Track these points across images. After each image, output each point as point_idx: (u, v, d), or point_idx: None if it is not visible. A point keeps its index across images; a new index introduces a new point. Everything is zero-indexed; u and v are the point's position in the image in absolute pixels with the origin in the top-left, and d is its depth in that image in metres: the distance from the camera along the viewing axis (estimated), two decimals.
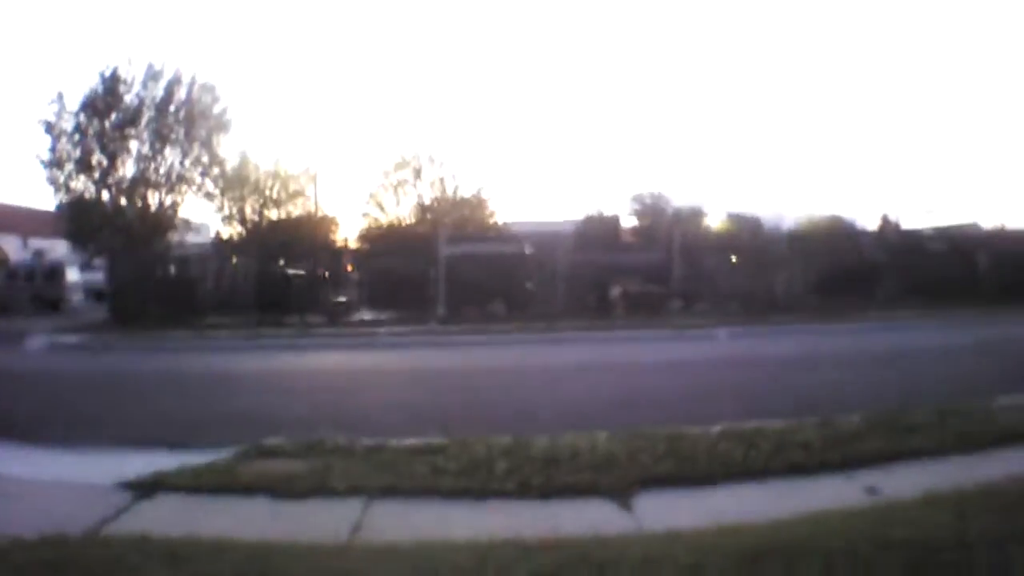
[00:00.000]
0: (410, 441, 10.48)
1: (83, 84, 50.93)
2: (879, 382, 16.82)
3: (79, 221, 40.93)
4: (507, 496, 8.44)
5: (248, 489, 8.69)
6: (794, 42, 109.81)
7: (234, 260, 38.61)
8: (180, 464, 9.53)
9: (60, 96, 40.97)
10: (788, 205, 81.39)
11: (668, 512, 7.82)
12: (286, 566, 6.07)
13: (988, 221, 50.27)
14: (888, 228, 43.95)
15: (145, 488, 8.77)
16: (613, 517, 7.84)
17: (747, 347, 24.60)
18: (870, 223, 44.38)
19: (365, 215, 50.85)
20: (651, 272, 37.02)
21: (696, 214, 51.77)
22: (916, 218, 56.13)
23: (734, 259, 39.35)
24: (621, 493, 8.42)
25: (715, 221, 49.53)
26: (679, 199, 55.65)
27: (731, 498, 8.38)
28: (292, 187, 45.53)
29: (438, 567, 6.05)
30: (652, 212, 56.18)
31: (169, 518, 7.77)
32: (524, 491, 8.49)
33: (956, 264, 37.22)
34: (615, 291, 35.69)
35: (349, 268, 39.35)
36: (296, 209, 45.63)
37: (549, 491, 8.49)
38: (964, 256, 38.37)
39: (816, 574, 5.74)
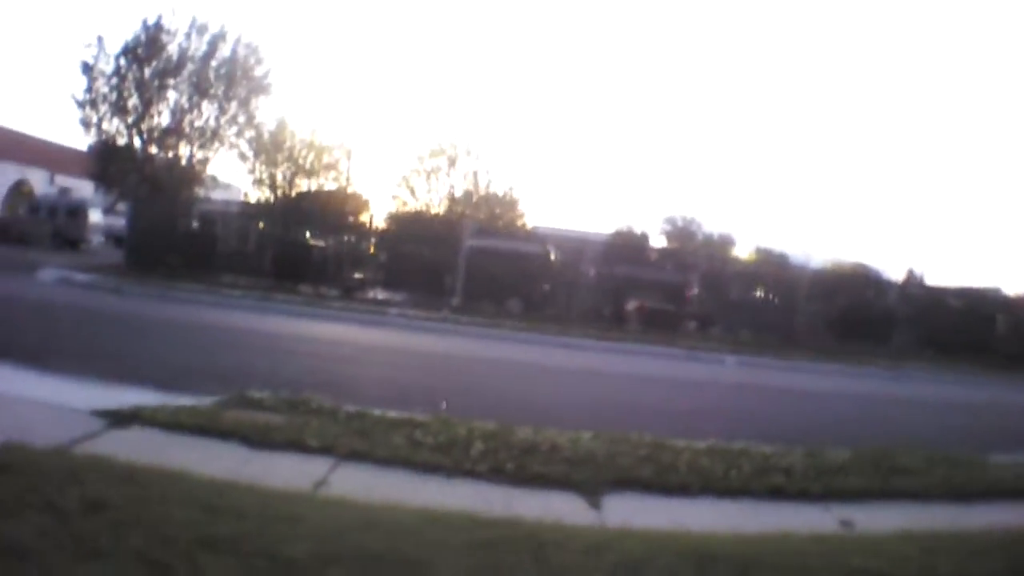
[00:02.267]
0: (393, 413, 10.47)
1: (122, 29, 50.99)
2: (876, 424, 16.75)
3: (107, 163, 40.97)
4: (478, 477, 8.43)
5: (224, 433, 8.71)
6: (847, 91, 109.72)
7: (260, 224, 38.59)
8: (161, 402, 9.54)
9: (100, 39, 41.24)
10: (818, 246, 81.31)
11: (635, 513, 7.75)
12: (236, 502, 6.05)
13: (1011, 288, 49.89)
14: (912, 281, 43.76)
15: (121, 418, 8.82)
16: (578, 510, 7.81)
17: (752, 376, 24.52)
18: (895, 274, 44.22)
19: (395, 197, 50.73)
20: (671, 291, 36.98)
21: (725, 242, 51.80)
22: (941, 276, 55.94)
23: (757, 291, 39.39)
24: (592, 490, 8.38)
25: (743, 252, 49.47)
26: (710, 225, 55.74)
27: (702, 510, 8.32)
28: (326, 159, 45.25)
29: (381, 522, 6.04)
30: (682, 234, 56.23)
31: (138, 448, 7.77)
32: (495, 475, 8.48)
33: (974, 324, 37.10)
34: (632, 305, 35.62)
35: (371, 249, 39.25)
36: (327, 182, 45.46)
37: (520, 478, 8.47)
38: (982, 317, 38.27)
39: None
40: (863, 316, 36.25)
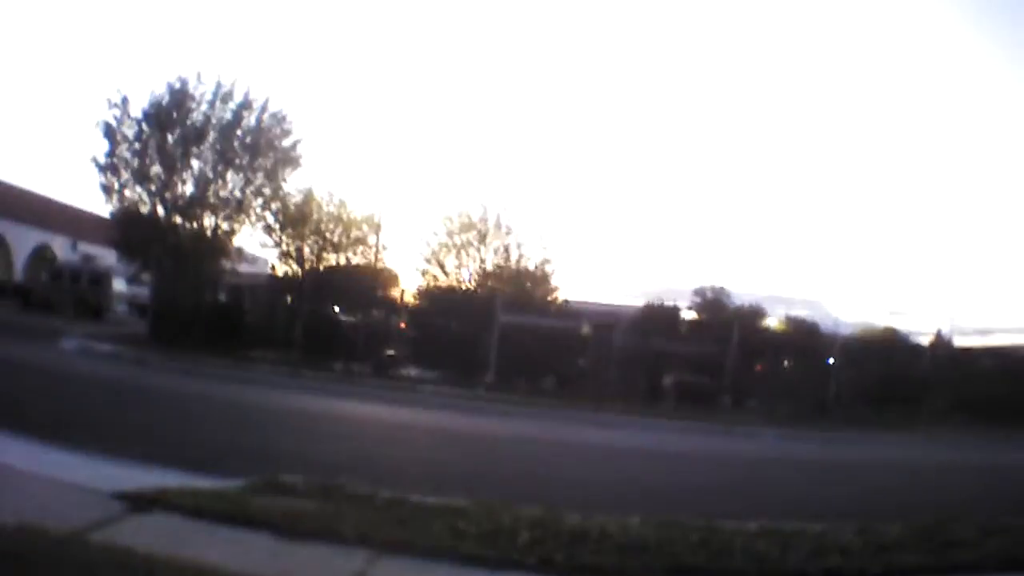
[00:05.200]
0: (432, 499, 9.90)
1: (144, 92, 50.11)
2: (921, 493, 16.63)
3: (130, 231, 40.09)
4: (526, 569, 7.84)
5: (251, 521, 8.13)
6: (862, 153, 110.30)
7: (288, 298, 38.39)
8: (185, 484, 9.13)
9: (125, 100, 40.33)
10: (846, 311, 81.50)
11: None
12: None
13: None
14: (941, 343, 43.41)
15: (142, 502, 8.30)
16: None
17: (793, 449, 24.48)
18: (924, 336, 44.09)
19: (424, 272, 50.43)
20: (705, 365, 36.80)
21: (755, 313, 51.49)
22: (969, 336, 55.66)
23: (788, 362, 39.22)
24: None
25: (773, 321, 49.21)
26: (740, 296, 55.54)
27: None
28: (354, 233, 44.95)
29: None
30: (712, 307, 55.89)
31: (159, 536, 7.29)
32: (544, 566, 7.89)
33: (1006, 384, 36.51)
34: (668, 380, 35.45)
35: (402, 324, 39.10)
36: (356, 256, 45.12)
37: (571, 569, 7.90)
38: (1015, 376, 37.73)
39: None
40: (894, 382, 35.89)
